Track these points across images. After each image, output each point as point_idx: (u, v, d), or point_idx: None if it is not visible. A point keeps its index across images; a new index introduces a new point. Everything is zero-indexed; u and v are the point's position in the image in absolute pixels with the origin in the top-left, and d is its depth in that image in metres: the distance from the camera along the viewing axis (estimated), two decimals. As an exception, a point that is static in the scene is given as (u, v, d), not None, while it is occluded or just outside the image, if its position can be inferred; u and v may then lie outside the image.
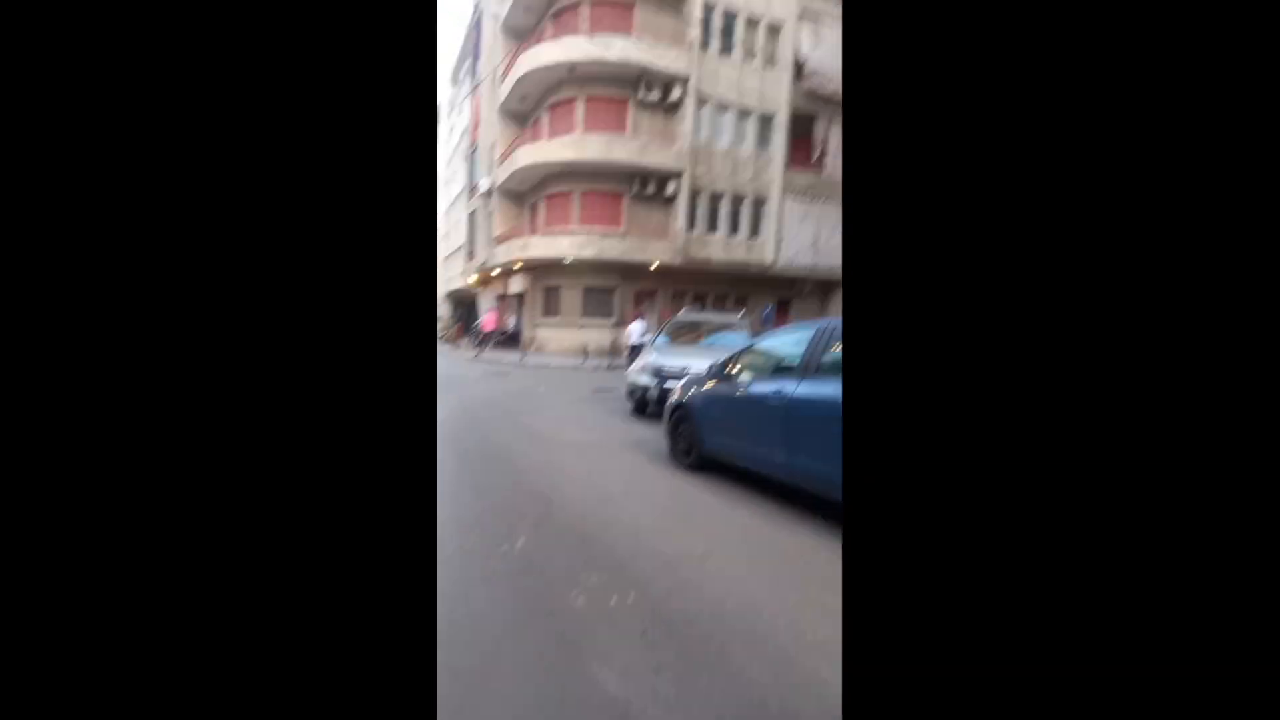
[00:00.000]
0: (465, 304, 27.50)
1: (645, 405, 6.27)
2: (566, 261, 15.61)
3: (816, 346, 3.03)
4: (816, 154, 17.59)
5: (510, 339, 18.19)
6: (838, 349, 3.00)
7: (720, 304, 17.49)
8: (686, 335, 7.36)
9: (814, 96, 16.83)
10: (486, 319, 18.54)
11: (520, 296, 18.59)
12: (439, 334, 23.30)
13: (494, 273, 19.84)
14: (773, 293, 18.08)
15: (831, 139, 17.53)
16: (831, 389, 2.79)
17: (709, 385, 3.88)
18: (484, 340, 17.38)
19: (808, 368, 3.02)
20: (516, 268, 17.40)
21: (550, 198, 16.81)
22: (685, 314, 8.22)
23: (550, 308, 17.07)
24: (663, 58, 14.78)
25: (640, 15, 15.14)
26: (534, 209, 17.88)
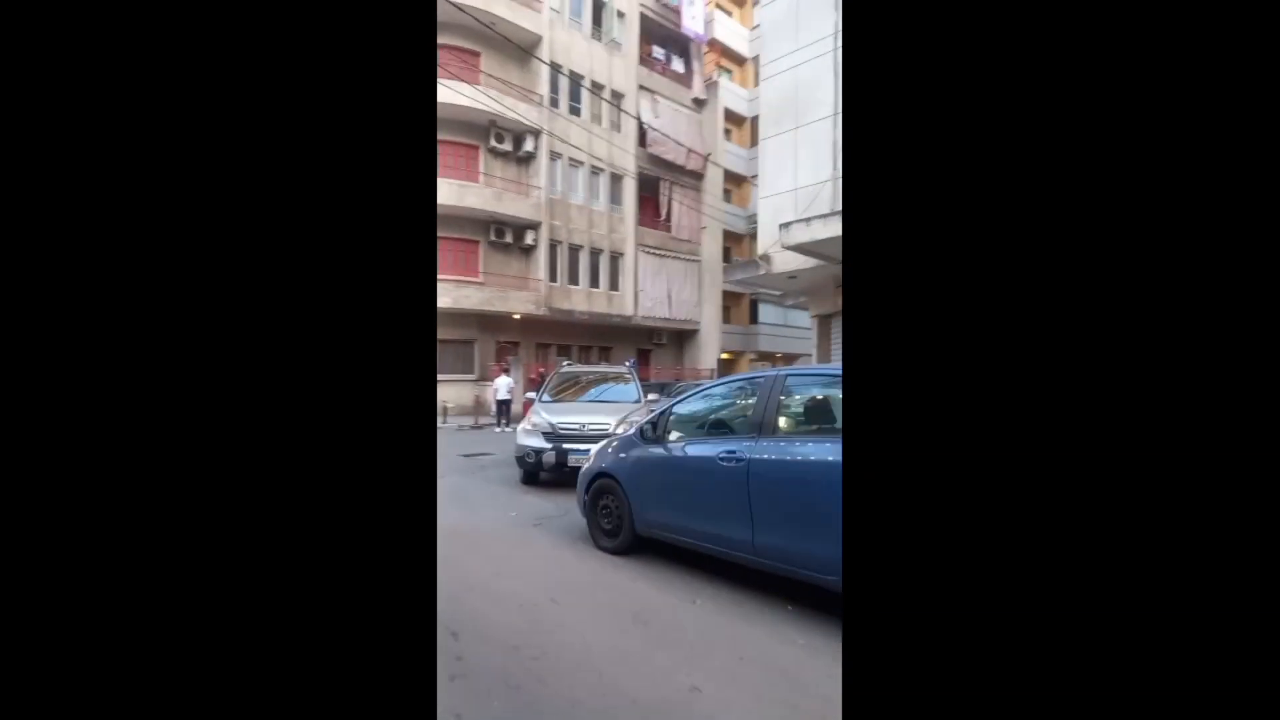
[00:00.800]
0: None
1: (538, 472, 5.45)
2: (416, 313, 14.03)
3: (769, 400, 2.72)
4: (663, 214, 18.69)
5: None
6: (795, 402, 2.73)
7: (585, 356, 17.22)
8: (570, 390, 6.75)
9: (657, 161, 18.00)
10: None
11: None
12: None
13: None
14: (633, 343, 18.35)
15: (674, 202, 18.81)
16: (801, 449, 2.47)
17: (636, 449, 3.35)
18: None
19: (764, 425, 2.69)
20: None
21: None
22: (568, 367, 7.59)
23: (446, 362, 15.04)
24: (513, 109, 14.61)
25: (486, 64, 14.88)
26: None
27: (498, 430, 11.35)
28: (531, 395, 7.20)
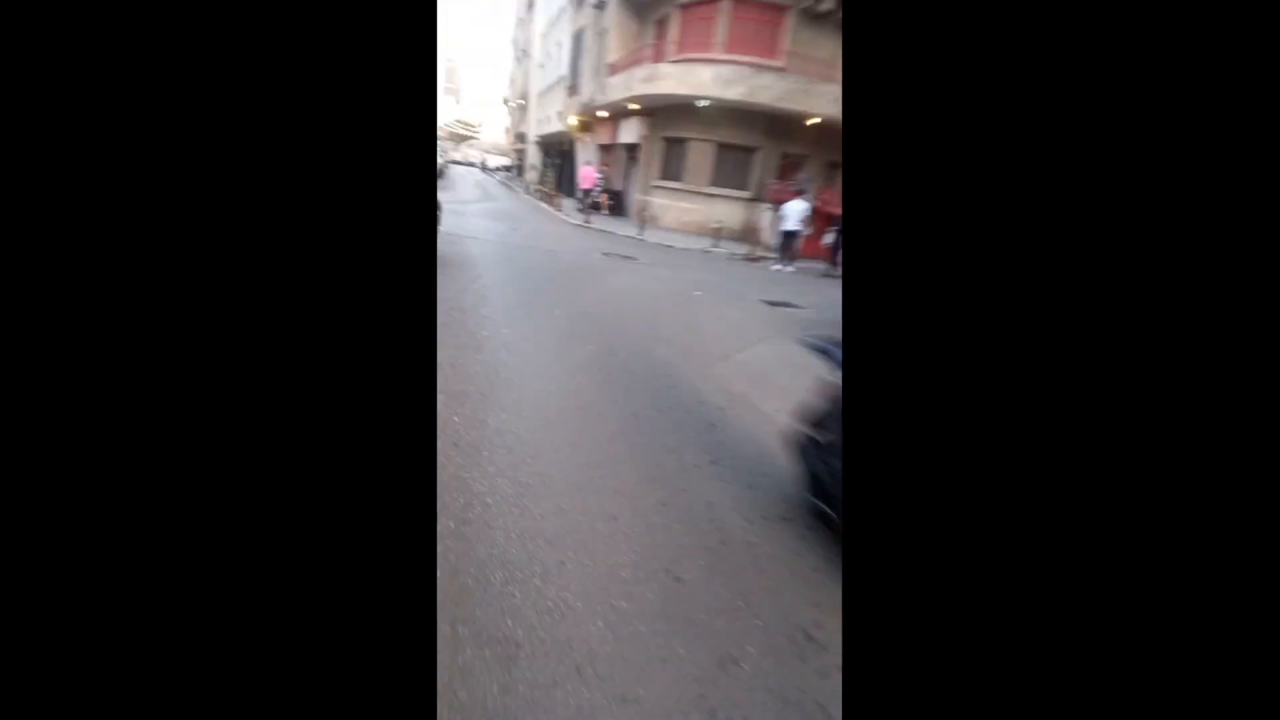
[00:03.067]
0: (559, 153, 24.12)
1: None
2: (701, 105, 11.92)
3: None
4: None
5: (613, 202, 15.27)
6: None
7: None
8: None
9: None
10: (584, 174, 15.48)
11: (632, 149, 15.19)
12: (533, 189, 20.57)
13: (600, 114, 16.25)
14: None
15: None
16: None
17: None
18: (593, 204, 14.53)
19: None
20: (632, 109, 13.84)
21: (688, 9, 12.52)
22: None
23: (671, 168, 13.73)
24: None
25: None
26: (662, 27, 13.65)
27: (776, 268, 9.59)
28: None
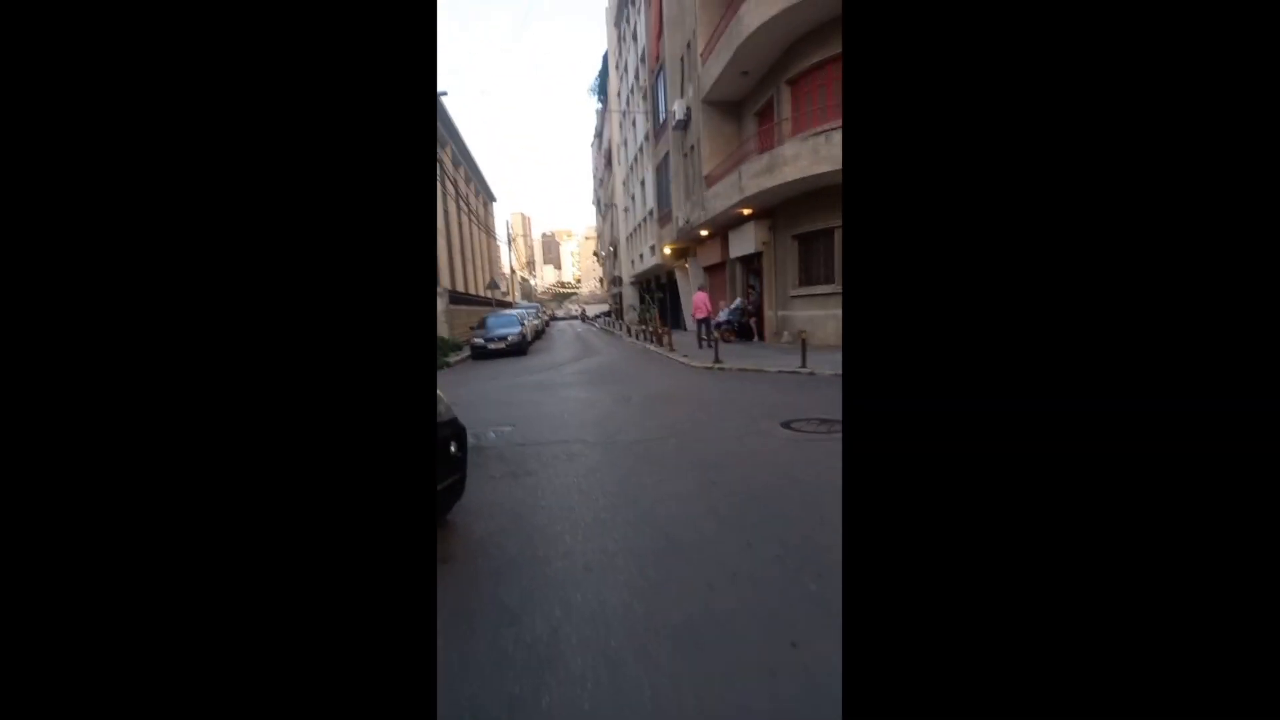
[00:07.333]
0: (657, 286, 22.31)
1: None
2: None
3: None
4: None
5: (743, 323, 11.98)
6: None
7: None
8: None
9: None
10: (697, 301, 12.60)
11: (751, 261, 12.23)
12: (635, 330, 18.24)
13: (702, 233, 13.80)
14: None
15: None
16: None
17: None
18: (717, 329, 11.37)
19: None
20: (744, 214, 11.07)
21: (798, 81, 10.01)
22: None
23: (812, 267, 10.35)
24: None
25: None
26: (765, 114, 11.28)
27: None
28: None
